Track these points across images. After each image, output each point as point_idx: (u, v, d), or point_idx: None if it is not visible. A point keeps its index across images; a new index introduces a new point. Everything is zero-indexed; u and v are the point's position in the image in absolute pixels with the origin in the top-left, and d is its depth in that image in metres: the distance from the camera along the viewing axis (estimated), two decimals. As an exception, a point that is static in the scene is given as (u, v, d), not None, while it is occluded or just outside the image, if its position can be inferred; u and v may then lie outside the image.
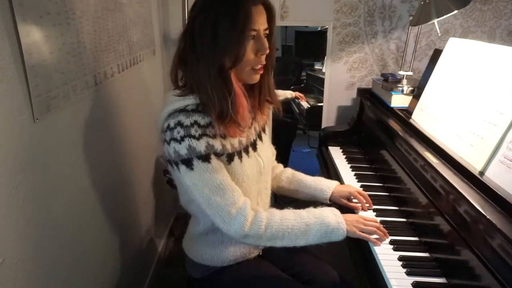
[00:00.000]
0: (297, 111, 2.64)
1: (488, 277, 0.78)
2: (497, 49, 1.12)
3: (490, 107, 1.04)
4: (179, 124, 0.91)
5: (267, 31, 0.95)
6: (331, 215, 1.02)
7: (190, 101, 0.94)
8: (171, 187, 1.90)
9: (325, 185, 1.26)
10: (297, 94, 2.46)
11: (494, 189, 0.89)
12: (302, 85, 2.66)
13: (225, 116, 0.92)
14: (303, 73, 2.73)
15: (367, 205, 1.23)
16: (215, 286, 1.13)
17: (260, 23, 0.92)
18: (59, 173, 0.96)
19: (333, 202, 1.26)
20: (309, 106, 2.52)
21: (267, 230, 0.96)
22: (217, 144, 0.94)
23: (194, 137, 0.90)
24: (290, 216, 1.00)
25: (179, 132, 0.90)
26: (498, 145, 0.96)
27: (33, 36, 0.82)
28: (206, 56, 0.90)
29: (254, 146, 1.08)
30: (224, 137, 0.97)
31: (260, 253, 1.18)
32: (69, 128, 1.01)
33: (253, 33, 0.91)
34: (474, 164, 1.01)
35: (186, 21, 0.95)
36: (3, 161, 0.75)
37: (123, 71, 1.39)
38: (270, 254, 1.18)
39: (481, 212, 0.84)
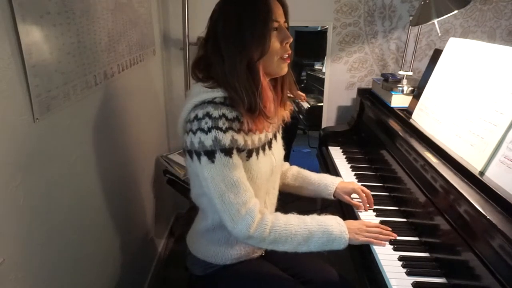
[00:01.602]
0: (297, 111, 2.65)
1: (488, 277, 0.78)
2: (497, 49, 1.12)
3: (490, 107, 1.04)
4: (208, 115, 0.92)
5: (286, 24, 0.99)
6: (334, 223, 1.02)
7: (218, 93, 0.95)
8: (171, 187, 1.90)
9: (329, 181, 1.27)
10: (299, 93, 2.45)
11: (494, 189, 0.89)
12: (302, 85, 2.66)
13: (254, 110, 0.94)
14: (303, 73, 2.73)
15: (367, 205, 1.23)
16: (216, 284, 1.13)
17: (279, 15, 0.97)
18: (59, 173, 0.96)
19: (336, 198, 1.26)
20: (309, 106, 2.52)
21: (271, 234, 0.97)
22: (240, 139, 0.96)
23: (221, 129, 0.91)
24: (294, 222, 1.00)
25: (207, 123, 0.91)
26: (498, 145, 0.96)
27: (33, 36, 0.82)
28: (233, 55, 0.93)
29: (270, 144, 1.09)
30: (246, 133, 0.98)
31: (263, 254, 1.19)
32: (69, 128, 1.01)
33: (276, 24, 0.96)
34: (474, 164, 1.01)
35: (207, 28, 0.99)
36: (3, 161, 0.75)
37: (123, 71, 1.39)
38: (271, 254, 1.18)
39: (481, 212, 0.84)
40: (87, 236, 1.12)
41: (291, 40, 0.98)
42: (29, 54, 0.80)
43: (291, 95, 1.13)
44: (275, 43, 0.96)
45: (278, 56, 0.98)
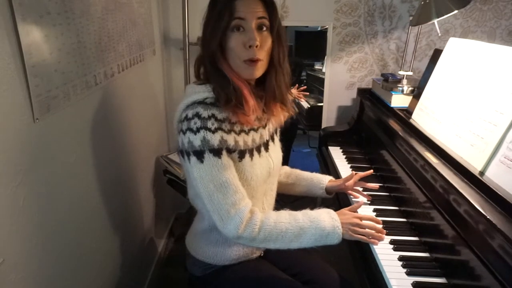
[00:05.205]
0: (297, 111, 2.65)
1: (488, 277, 0.78)
2: (497, 49, 1.12)
3: (490, 107, 1.04)
4: (197, 115, 0.92)
5: (263, 20, 0.93)
6: (327, 218, 1.00)
7: (209, 94, 0.96)
8: (171, 187, 1.90)
9: (321, 176, 1.30)
10: (296, 93, 2.45)
11: (494, 189, 0.89)
12: (302, 85, 2.66)
13: (230, 101, 0.94)
14: (303, 73, 2.74)
15: (366, 193, 1.26)
16: (215, 284, 1.13)
17: (248, 12, 0.91)
18: (59, 173, 0.96)
19: (330, 195, 1.29)
20: (309, 106, 2.53)
21: (261, 233, 0.95)
22: (230, 139, 0.95)
23: (210, 129, 0.91)
24: (285, 219, 0.99)
25: (196, 123, 0.91)
26: (498, 145, 0.96)
27: (33, 36, 0.82)
28: (201, 48, 0.97)
29: (266, 146, 1.08)
30: (238, 133, 0.98)
31: (262, 254, 1.18)
32: (69, 128, 1.01)
33: (238, 22, 0.91)
34: (474, 164, 1.01)
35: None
36: (3, 161, 0.75)
37: (123, 71, 1.39)
38: (270, 254, 1.18)
39: (481, 212, 0.84)
40: (87, 236, 1.12)
41: (255, 43, 0.91)
42: (29, 54, 0.80)
43: (279, 102, 1.06)
44: (236, 46, 0.92)
45: (241, 59, 0.93)
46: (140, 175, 1.63)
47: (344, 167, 1.58)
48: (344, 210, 1.06)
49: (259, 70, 0.96)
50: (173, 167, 1.84)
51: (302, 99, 2.52)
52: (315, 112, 2.28)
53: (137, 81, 1.60)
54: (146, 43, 1.68)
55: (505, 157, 0.93)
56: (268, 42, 0.95)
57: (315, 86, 2.54)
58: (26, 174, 0.82)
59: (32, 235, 0.85)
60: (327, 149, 1.79)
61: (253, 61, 0.94)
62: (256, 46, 0.92)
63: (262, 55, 0.94)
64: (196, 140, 0.91)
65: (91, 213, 1.15)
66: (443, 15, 1.44)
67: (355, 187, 1.30)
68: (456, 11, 1.43)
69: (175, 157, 1.92)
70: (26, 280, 0.83)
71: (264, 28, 0.94)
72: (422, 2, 1.51)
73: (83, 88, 1.06)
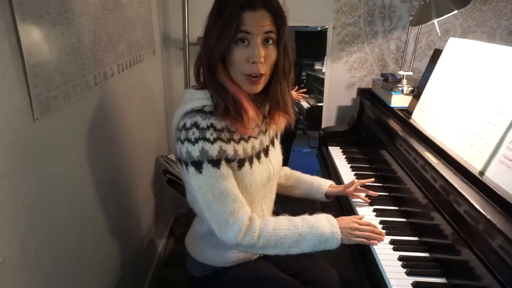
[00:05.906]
0: (297, 111, 2.65)
1: (488, 277, 0.78)
2: (497, 49, 1.12)
3: (490, 107, 1.04)
4: (195, 125, 0.90)
5: (270, 34, 0.90)
6: (326, 224, 0.99)
7: (208, 101, 0.94)
8: (171, 187, 1.90)
9: (322, 180, 1.29)
10: (295, 94, 2.45)
11: (494, 189, 0.89)
12: (302, 85, 2.66)
13: (228, 112, 0.92)
14: (303, 73, 2.74)
15: (364, 194, 1.25)
16: (215, 285, 1.13)
17: (255, 26, 0.87)
18: (59, 173, 0.96)
19: (329, 199, 1.28)
20: (309, 106, 2.53)
21: (260, 240, 0.95)
22: (229, 149, 0.93)
23: (208, 140, 0.89)
24: (284, 225, 0.98)
25: (194, 134, 0.89)
26: (498, 145, 0.96)
27: (33, 36, 0.82)
28: (201, 52, 0.94)
29: (266, 152, 1.07)
30: (237, 142, 0.96)
31: (262, 255, 1.18)
32: (69, 128, 1.01)
33: (243, 35, 0.88)
34: (474, 164, 1.01)
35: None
36: (3, 161, 0.75)
37: (123, 71, 1.39)
38: (270, 255, 1.18)
39: (481, 212, 0.84)
40: (86, 236, 1.12)
41: (259, 59, 0.88)
42: (29, 54, 0.80)
43: (282, 111, 1.05)
44: (239, 60, 0.89)
45: (243, 73, 0.91)
46: (140, 175, 1.63)
47: (344, 167, 1.58)
48: (343, 216, 1.07)
49: (261, 85, 0.95)
50: (173, 167, 1.84)
51: (301, 100, 2.52)
52: (315, 112, 2.28)
53: (137, 81, 1.60)
54: (146, 43, 1.68)
55: (505, 157, 0.93)
56: (273, 56, 0.93)
57: (315, 86, 2.55)
58: (26, 174, 0.82)
59: (32, 235, 0.85)
60: (327, 149, 1.79)
61: (255, 77, 0.91)
62: (260, 63, 0.90)
63: (265, 70, 0.92)
64: (195, 151, 0.89)
65: (91, 213, 1.15)
66: (443, 15, 1.44)
67: (355, 193, 1.29)
68: (456, 11, 1.43)
69: (175, 157, 1.92)
70: (26, 280, 0.83)
71: (270, 42, 0.91)
72: (422, 2, 1.51)
73: (83, 88, 1.06)
